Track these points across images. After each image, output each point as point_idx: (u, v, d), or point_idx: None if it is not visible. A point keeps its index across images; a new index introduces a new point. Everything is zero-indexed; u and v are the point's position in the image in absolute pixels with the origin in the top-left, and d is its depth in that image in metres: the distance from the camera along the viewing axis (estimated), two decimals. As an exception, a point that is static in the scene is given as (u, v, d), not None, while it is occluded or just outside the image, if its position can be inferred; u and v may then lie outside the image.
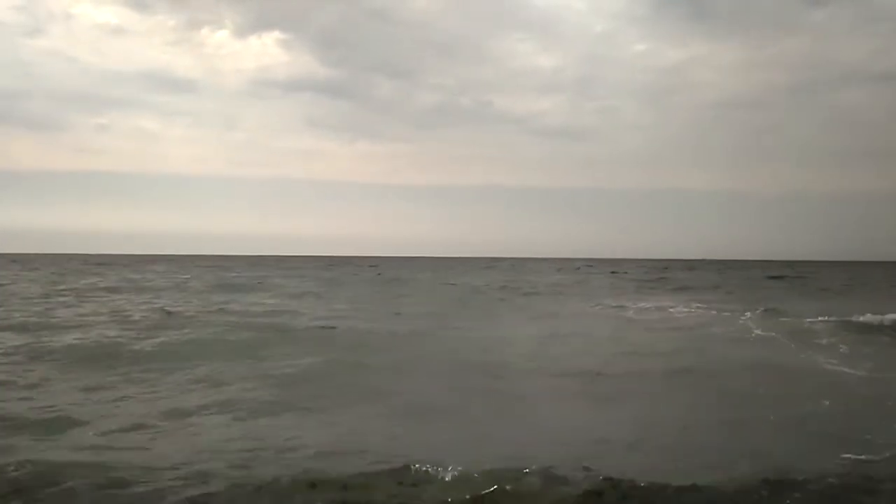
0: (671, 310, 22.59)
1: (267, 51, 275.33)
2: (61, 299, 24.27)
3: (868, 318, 16.72)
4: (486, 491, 5.13)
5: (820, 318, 16.94)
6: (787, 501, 5.13)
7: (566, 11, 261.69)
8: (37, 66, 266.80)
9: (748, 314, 19.23)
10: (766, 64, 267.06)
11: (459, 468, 5.56)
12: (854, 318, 16.86)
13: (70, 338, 13.68)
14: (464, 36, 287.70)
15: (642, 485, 5.29)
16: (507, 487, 5.20)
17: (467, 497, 5.05)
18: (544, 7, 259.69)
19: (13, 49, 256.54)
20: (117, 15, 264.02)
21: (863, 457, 6.27)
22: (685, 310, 22.45)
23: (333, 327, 16.77)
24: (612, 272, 62.20)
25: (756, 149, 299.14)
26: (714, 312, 20.87)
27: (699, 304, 24.26)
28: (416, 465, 5.67)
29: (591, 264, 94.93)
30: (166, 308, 20.42)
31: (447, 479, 5.44)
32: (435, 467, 5.60)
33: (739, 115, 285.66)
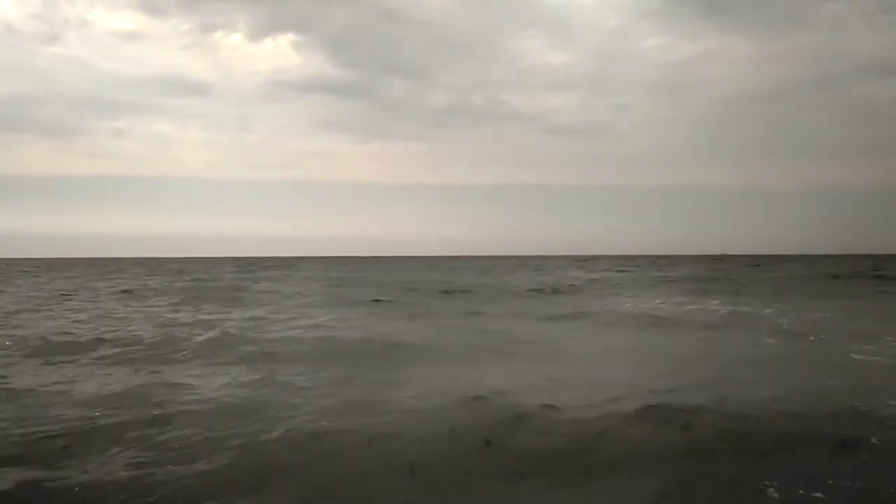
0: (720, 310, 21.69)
1: (280, 53, 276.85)
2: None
3: None
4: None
5: None
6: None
7: (577, 7, 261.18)
8: (53, 73, 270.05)
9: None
10: (780, 58, 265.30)
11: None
12: None
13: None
14: (475, 35, 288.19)
15: None
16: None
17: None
18: (555, 4, 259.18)
19: (30, 56, 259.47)
20: (132, 20, 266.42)
21: None
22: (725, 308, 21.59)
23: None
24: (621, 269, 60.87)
25: (771, 144, 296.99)
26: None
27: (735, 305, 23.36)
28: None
29: (612, 260, 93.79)
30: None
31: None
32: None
33: (754, 109, 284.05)
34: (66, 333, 14.88)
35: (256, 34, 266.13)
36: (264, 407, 7.80)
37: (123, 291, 31.11)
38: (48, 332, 14.77)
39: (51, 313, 20.28)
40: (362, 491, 5.38)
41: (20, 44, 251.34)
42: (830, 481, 5.29)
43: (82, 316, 19.22)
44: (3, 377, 9.83)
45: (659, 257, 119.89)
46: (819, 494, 5.07)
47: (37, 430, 6.86)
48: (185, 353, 12.12)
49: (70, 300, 26.09)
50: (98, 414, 7.53)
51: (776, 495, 5.08)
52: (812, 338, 13.60)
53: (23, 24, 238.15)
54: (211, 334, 14.31)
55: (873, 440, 6.24)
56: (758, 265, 65.97)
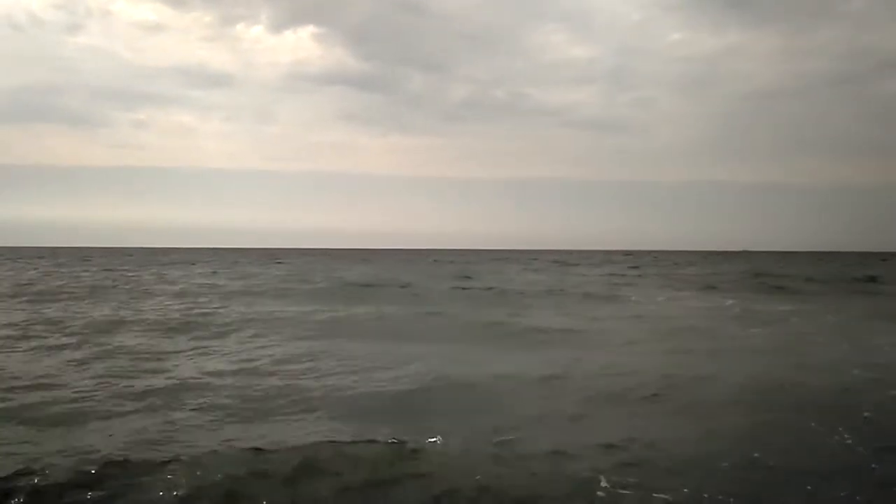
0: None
1: (301, 45, 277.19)
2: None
3: None
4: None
5: None
6: None
7: (600, 1, 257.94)
8: (75, 63, 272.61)
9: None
10: (804, 53, 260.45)
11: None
12: None
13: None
14: (497, 28, 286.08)
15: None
16: None
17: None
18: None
19: (53, 46, 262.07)
20: (155, 11, 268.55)
21: None
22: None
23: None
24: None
25: (794, 140, 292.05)
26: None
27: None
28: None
29: (636, 256, 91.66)
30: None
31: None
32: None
33: (777, 105, 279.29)
34: None
35: (278, 26, 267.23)
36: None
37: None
38: None
39: None
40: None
41: (43, 34, 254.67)
42: None
43: None
44: None
45: (683, 253, 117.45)
46: None
47: None
48: None
49: None
50: None
51: None
52: None
53: (46, 13, 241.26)
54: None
55: None
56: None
